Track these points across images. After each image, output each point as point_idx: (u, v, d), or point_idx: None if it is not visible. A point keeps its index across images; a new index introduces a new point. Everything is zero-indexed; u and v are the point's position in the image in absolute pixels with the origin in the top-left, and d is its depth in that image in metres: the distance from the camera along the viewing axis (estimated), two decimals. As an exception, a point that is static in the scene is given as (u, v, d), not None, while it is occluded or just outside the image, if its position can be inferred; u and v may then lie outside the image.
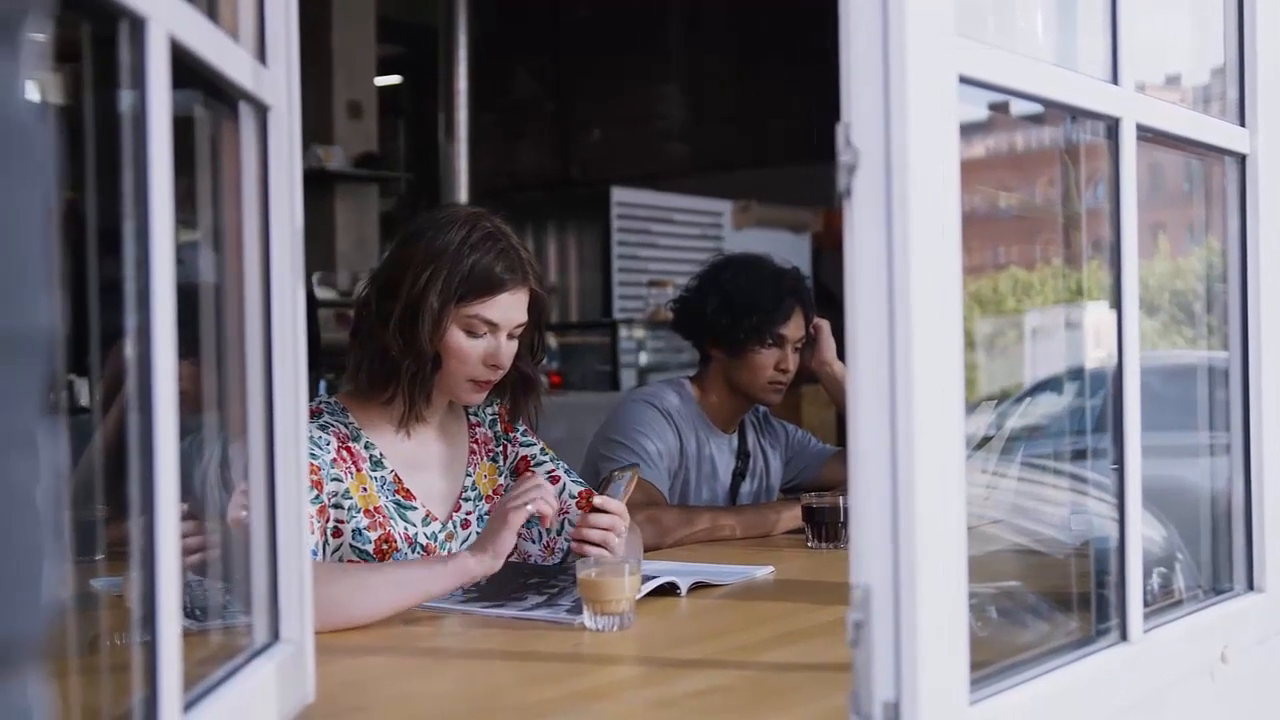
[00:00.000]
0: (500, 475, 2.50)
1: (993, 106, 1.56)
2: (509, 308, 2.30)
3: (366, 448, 2.32)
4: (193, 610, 1.39)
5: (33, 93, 0.63)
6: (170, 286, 1.07)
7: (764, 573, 2.48)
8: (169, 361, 1.06)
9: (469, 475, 2.45)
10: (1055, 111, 1.68)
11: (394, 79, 10.32)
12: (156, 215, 1.05)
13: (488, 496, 2.46)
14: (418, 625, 2.03)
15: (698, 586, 2.30)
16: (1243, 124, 1.91)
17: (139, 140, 1.05)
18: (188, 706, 1.13)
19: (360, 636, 1.99)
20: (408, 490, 2.34)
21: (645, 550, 2.74)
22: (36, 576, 0.62)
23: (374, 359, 2.30)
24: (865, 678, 1.23)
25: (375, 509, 2.28)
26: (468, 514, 2.42)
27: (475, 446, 2.48)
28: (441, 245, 2.26)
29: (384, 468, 2.33)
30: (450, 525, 2.39)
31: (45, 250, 0.63)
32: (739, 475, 3.26)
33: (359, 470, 2.29)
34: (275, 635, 1.44)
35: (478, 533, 2.38)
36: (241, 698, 1.28)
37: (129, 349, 1.05)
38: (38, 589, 0.62)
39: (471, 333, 2.29)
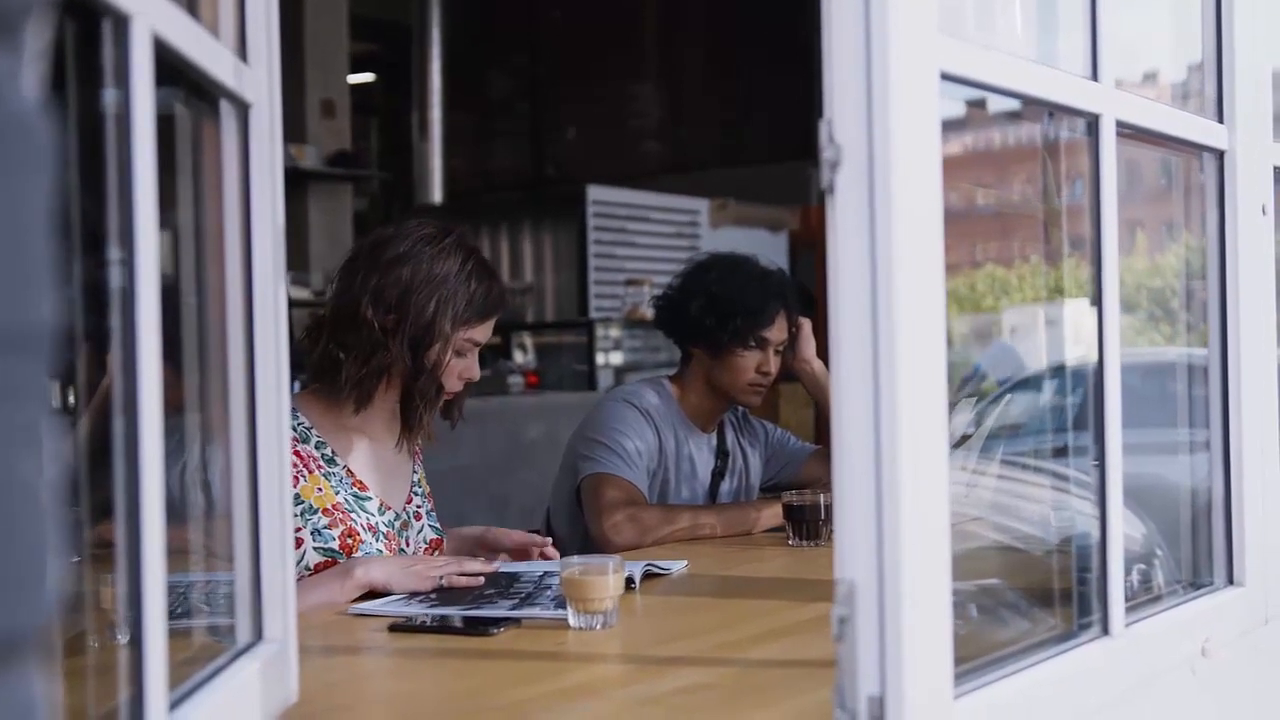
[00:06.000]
0: (426, 483, 2.66)
1: (970, 103, 1.56)
2: (491, 328, 2.49)
3: (318, 447, 2.41)
4: (173, 610, 1.38)
5: (34, 90, 0.63)
6: (155, 286, 1.06)
7: (679, 567, 2.50)
8: (153, 363, 1.06)
9: (415, 473, 2.59)
10: (1033, 108, 1.68)
11: (367, 77, 10.31)
12: (141, 214, 1.05)
13: (428, 495, 2.62)
14: (400, 627, 2.02)
15: (649, 576, 2.36)
16: (1220, 120, 1.92)
17: (123, 138, 1.04)
18: (173, 706, 1.13)
19: (343, 637, 1.99)
20: (361, 482, 2.44)
21: (626, 549, 2.76)
22: (41, 570, 0.63)
23: (375, 375, 2.39)
24: (850, 672, 1.24)
25: (334, 506, 2.37)
26: (418, 508, 2.56)
27: (416, 449, 2.62)
28: (443, 273, 2.39)
29: (337, 464, 2.42)
30: (405, 515, 2.51)
31: (48, 246, 0.63)
32: (718, 474, 3.26)
33: (311, 472, 2.37)
34: (259, 635, 1.44)
35: (430, 525, 2.56)
36: (226, 697, 1.27)
37: (113, 350, 1.04)
38: (42, 583, 0.63)
39: (459, 353, 2.43)
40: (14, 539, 0.61)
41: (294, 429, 2.36)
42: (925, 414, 1.26)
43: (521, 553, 2.55)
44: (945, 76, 1.31)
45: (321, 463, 2.39)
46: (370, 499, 2.43)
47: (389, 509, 2.46)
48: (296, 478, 2.31)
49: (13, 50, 0.61)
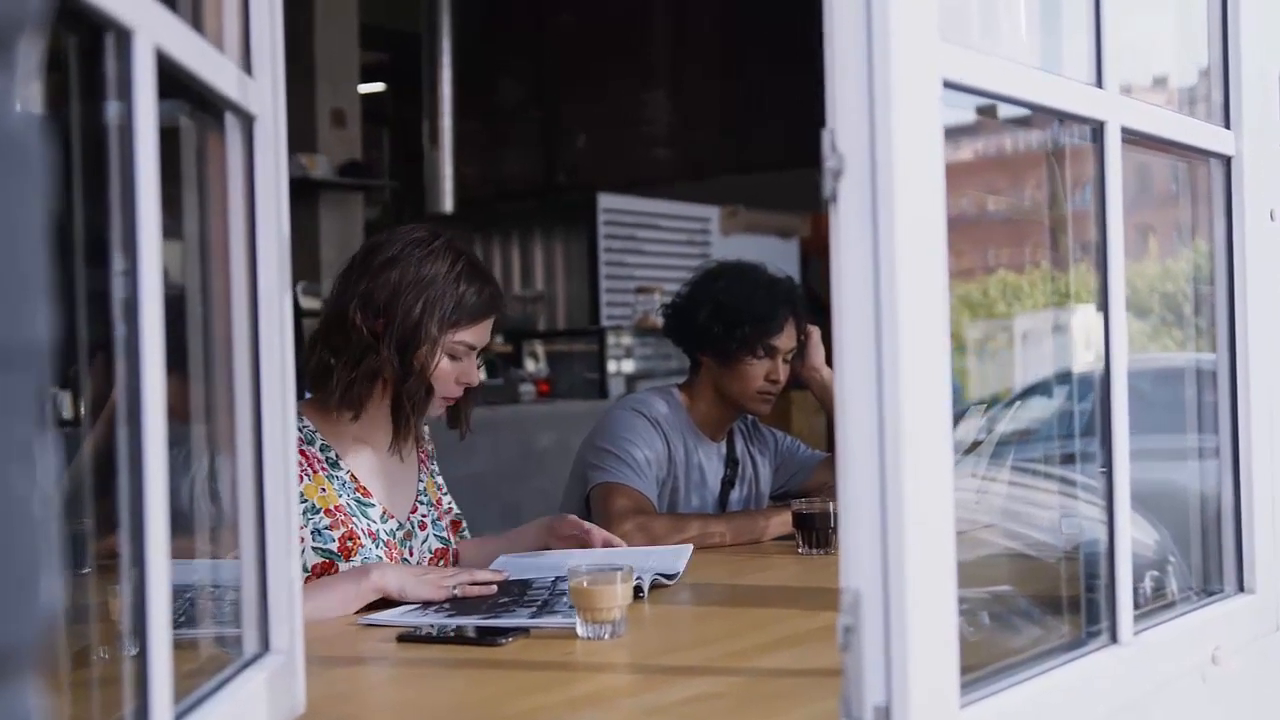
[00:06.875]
0: (438, 490, 2.64)
1: (980, 110, 1.56)
2: (487, 331, 2.48)
3: (322, 450, 2.42)
4: (178, 618, 1.39)
5: (29, 105, 0.64)
6: (158, 298, 1.07)
7: (685, 556, 2.52)
8: (157, 374, 1.06)
9: (420, 481, 2.58)
10: (1042, 115, 1.68)
11: (378, 86, 10.31)
12: (143, 226, 1.05)
13: (435, 503, 2.60)
14: (408, 637, 2.02)
15: (656, 586, 2.36)
16: (1228, 126, 1.92)
17: (126, 151, 1.05)
18: (179, 717, 1.13)
19: (351, 648, 1.99)
20: (365, 488, 2.44)
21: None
22: (35, 585, 0.63)
23: (366, 379, 2.39)
24: (856, 682, 1.23)
25: (336, 507, 2.38)
26: (423, 517, 2.56)
27: (423, 457, 2.62)
28: (430, 275, 2.39)
29: (341, 469, 2.42)
30: (409, 525, 2.51)
31: (42, 262, 0.64)
32: (728, 483, 3.25)
33: (316, 472, 2.38)
34: (265, 646, 1.44)
35: (434, 535, 2.55)
36: (232, 709, 1.27)
37: (117, 361, 1.05)
38: (36, 597, 0.63)
39: (453, 356, 2.43)
40: (7, 554, 0.61)
41: (299, 431, 2.37)
42: (929, 421, 1.26)
43: (576, 540, 2.57)
44: (947, 84, 1.31)
45: (326, 465, 2.39)
46: (373, 506, 2.43)
47: (392, 518, 2.46)
48: (300, 476, 2.31)
49: (6, 66, 0.61)
